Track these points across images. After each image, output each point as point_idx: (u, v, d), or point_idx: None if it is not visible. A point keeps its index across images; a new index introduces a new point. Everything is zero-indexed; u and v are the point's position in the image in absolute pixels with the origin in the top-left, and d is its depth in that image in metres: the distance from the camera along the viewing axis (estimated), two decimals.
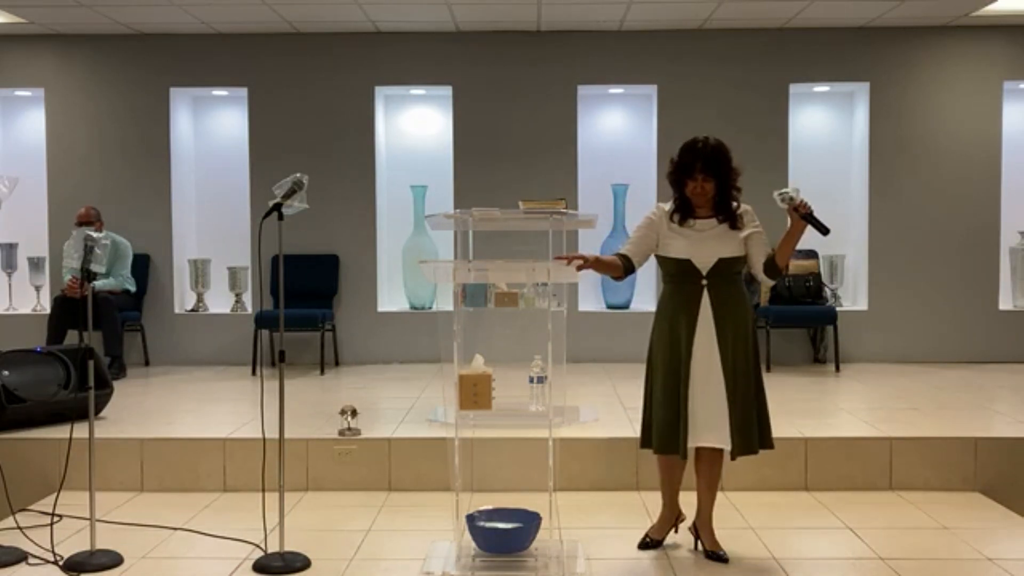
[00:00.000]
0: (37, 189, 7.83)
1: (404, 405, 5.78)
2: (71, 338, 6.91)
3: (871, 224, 7.78)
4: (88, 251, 3.81)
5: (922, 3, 7.01)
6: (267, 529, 3.83)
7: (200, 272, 8.00)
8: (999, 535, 4.08)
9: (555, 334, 3.66)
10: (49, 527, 3.97)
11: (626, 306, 7.97)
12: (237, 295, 8.01)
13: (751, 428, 3.62)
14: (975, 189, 7.74)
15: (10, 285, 8.06)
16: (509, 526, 3.75)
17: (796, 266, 7.42)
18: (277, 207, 3.68)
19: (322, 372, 7.35)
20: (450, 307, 3.69)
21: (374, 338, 7.85)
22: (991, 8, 7.10)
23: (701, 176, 3.58)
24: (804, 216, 3.56)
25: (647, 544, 3.82)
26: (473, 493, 4.29)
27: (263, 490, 3.88)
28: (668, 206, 3.70)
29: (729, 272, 3.63)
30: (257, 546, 3.85)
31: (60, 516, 4.16)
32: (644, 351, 3.82)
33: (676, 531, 3.87)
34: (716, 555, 3.72)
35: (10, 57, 7.89)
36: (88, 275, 3.85)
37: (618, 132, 8.24)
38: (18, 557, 3.74)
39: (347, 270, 7.89)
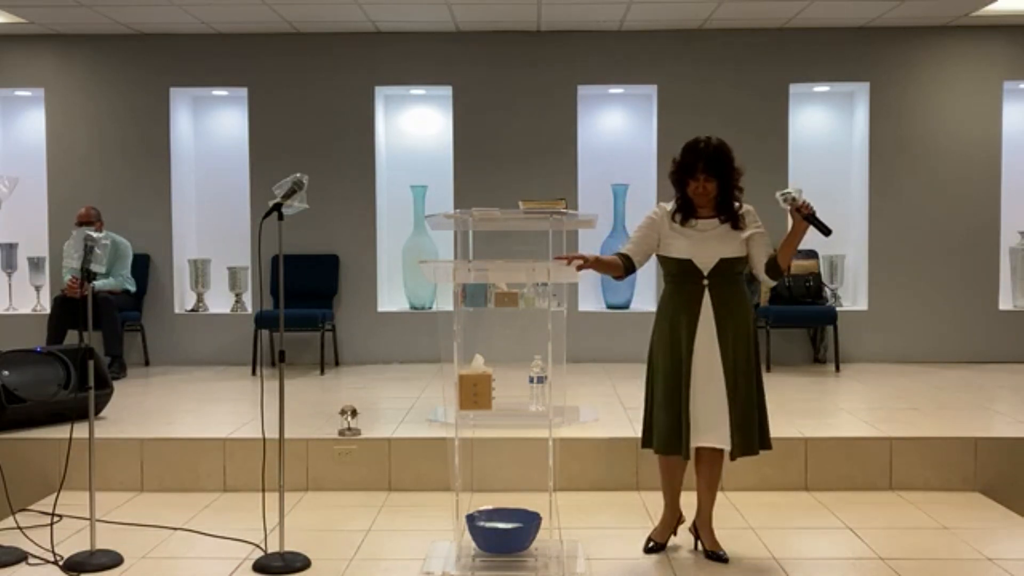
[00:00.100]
0: (37, 189, 7.83)
1: (404, 405, 5.78)
2: (71, 338, 6.91)
3: (871, 224, 7.78)
4: (88, 251, 3.81)
5: (922, 3, 7.01)
6: (267, 529, 3.83)
7: (200, 272, 8.00)
8: (999, 535, 4.08)
9: (555, 334, 3.66)
10: (49, 527, 3.97)
11: (626, 306, 7.97)
12: (237, 295, 8.01)
13: (751, 428, 3.62)
14: (975, 189, 7.74)
15: (10, 285, 8.06)
16: (509, 526, 3.75)
17: (796, 266, 7.42)
18: (277, 207, 3.68)
19: (322, 372, 7.35)
20: (450, 307, 3.69)
21: (374, 338, 7.85)
22: (991, 8, 7.10)
23: (703, 176, 3.57)
24: (806, 217, 3.56)
25: (652, 548, 3.80)
26: (473, 493, 4.29)
27: (263, 490, 3.88)
28: (670, 206, 3.69)
29: (730, 272, 3.63)
30: (257, 546, 3.85)
31: (60, 516, 4.16)
32: (644, 351, 3.82)
33: (675, 534, 3.86)
34: (716, 555, 3.72)
35: (10, 57, 7.89)
36: (88, 275, 3.85)
37: (618, 132, 8.24)
38: (18, 557, 3.74)
39: (347, 270, 7.89)
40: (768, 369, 7.14)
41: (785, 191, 3.58)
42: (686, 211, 3.65)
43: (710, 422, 3.58)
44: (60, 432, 4.71)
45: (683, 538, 3.87)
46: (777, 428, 4.35)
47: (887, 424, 5.13)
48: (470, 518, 3.77)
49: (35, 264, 7.96)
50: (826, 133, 8.18)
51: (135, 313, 7.62)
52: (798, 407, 5.67)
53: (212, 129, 8.36)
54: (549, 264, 3.59)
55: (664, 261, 3.70)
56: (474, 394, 3.64)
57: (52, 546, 3.79)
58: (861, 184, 7.90)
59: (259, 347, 7.30)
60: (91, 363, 3.84)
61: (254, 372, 7.25)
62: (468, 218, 3.76)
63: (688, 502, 3.82)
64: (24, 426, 5.02)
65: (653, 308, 3.87)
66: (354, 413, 4.90)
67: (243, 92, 7.91)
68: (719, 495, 3.84)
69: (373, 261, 7.92)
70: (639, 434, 3.80)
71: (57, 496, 4.15)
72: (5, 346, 5.49)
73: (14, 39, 7.83)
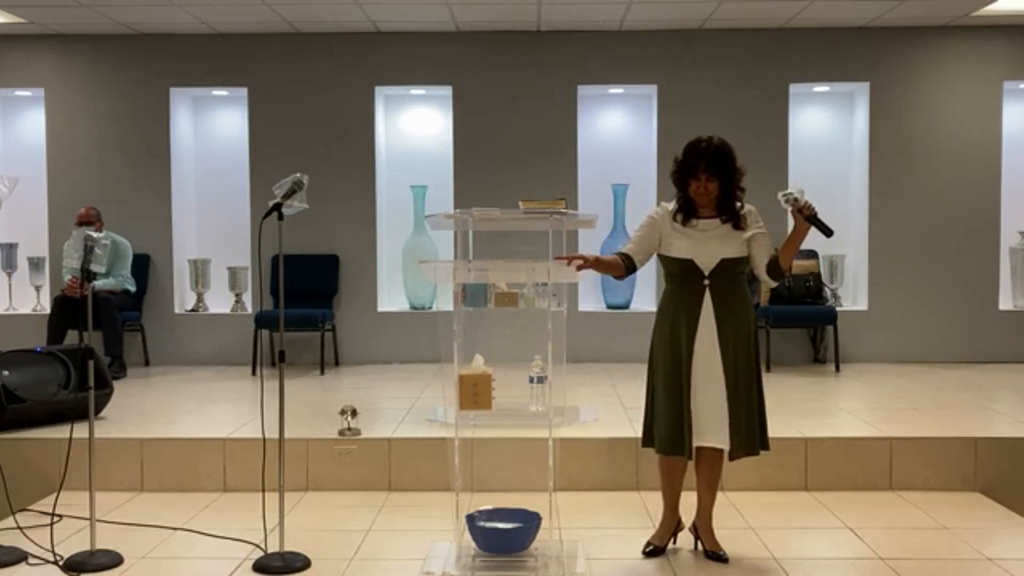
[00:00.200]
0: (37, 189, 7.83)
1: (404, 405, 5.78)
2: (71, 338, 6.91)
3: (871, 224, 7.78)
4: (88, 251, 3.81)
5: (922, 3, 7.01)
6: (267, 529, 3.83)
7: (200, 272, 8.00)
8: (999, 535, 4.08)
9: (555, 334, 3.66)
10: (49, 527, 3.97)
11: (626, 306, 7.97)
12: (237, 295, 8.01)
13: (752, 429, 3.62)
14: (975, 189, 7.74)
15: (10, 285, 8.06)
16: (509, 526, 3.75)
17: (796, 266, 7.42)
18: (277, 207, 3.68)
19: (322, 372, 7.35)
20: (450, 307, 3.69)
21: (374, 338, 7.85)
22: (991, 8, 7.10)
23: (705, 176, 3.57)
24: (808, 218, 3.55)
25: (651, 552, 3.78)
26: (473, 493, 4.29)
27: (263, 490, 3.88)
28: (671, 205, 3.69)
29: (731, 272, 3.62)
30: (257, 546, 3.85)
31: (60, 516, 4.16)
32: (644, 351, 3.81)
33: (675, 541, 3.84)
34: (716, 555, 3.72)
35: (10, 57, 7.89)
36: (88, 275, 3.85)
37: (618, 132, 8.24)
38: (18, 557, 3.74)
39: (347, 270, 7.89)
40: (768, 369, 7.15)
41: (787, 192, 3.58)
42: (687, 211, 3.64)
43: (711, 422, 3.58)
44: (60, 432, 4.71)
45: (683, 538, 3.87)
46: (777, 428, 4.36)
47: (887, 424, 5.13)
48: (470, 518, 3.77)
49: (35, 264, 7.96)
50: (826, 133, 8.18)
51: (135, 313, 7.62)
52: (798, 407, 5.67)
53: (212, 129, 8.36)
54: (549, 264, 3.59)
55: (665, 261, 3.70)
56: (474, 394, 3.64)
57: (52, 546, 3.79)
58: (861, 184, 7.90)
59: (259, 347, 7.30)
60: (91, 363, 3.84)
61: (254, 372, 7.25)
62: (468, 218, 3.76)
63: (688, 502, 3.82)
64: (24, 426, 5.02)
65: (653, 308, 3.87)
66: (354, 413, 4.90)
67: (243, 92, 7.91)
68: (719, 495, 3.83)
69: (373, 261, 7.92)
70: (639, 434, 3.80)
71: (57, 496, 4.15)
72: (5, 346, 5.49)
73: (14, 39, 7.83)
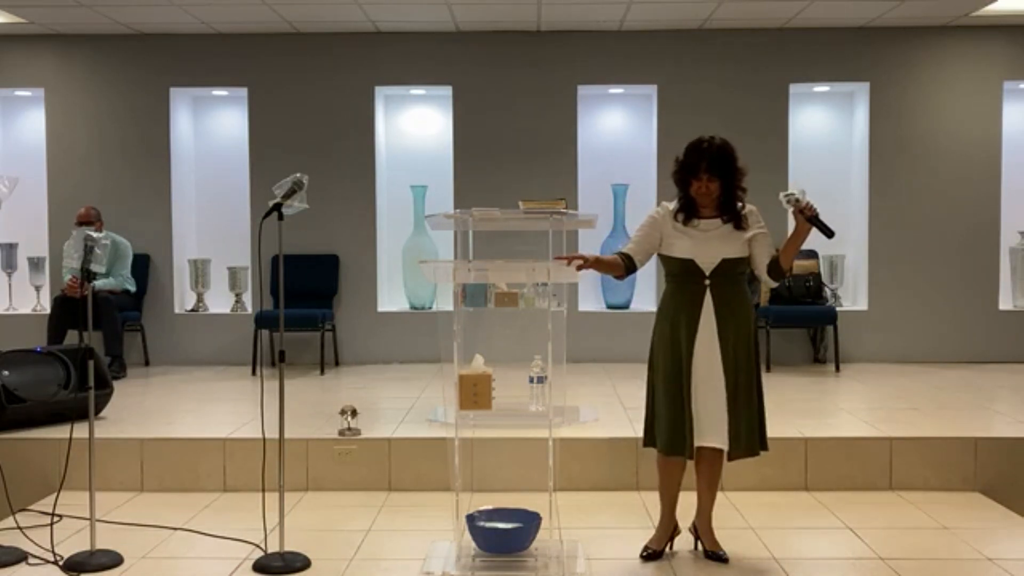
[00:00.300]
0: (37, 189, 7.83)
1: (404, 405, 5.78)
2: (71, 338, 6.91)
3: (871, 224, 7.78)
4: (88, 251, 3.81)
5: (922, 3, 7.01)
6: (267, 529, 3.83)
7: (200, 272, 8.00)
8: (999, 535, 4.08)
9: (555, 334, 3.66)
10: (49, 527, 3.97)
11: (626, 306, 7.97)
12: (237, 295, 8.01)
13: (752, 429, 3.62)
14: (975, 189, 7.74)
15: (10, 285, 8.06)
16: (509, 526, 3.75)
17: (796, 266, 7.42)
18: (277, 207, 3.68)
19: (322, 372, 7.35)
20: (450, 307, 3.69)
21: (374, 338, 7.85)
22: (991, 8, 7.10)
23: (706, 176, 3.56)
24: (810, 219, 3.54)
25: (648, 556, 3.76)
26: (473, 493, 4.29)
27: (263, 490, 3.88)
28: (672, 205, 3.68)
29: (732, 273, 3.62)
30: (257, 546, 3.85)
31: (60, 516, 4.16)
32: (644, 351, 3.81)
33: (671, 547, 3.83)
34: (716, 555, 3.72)
35: (10, 57, 7.89)
36: (88, 275, 3.85)
37: (618, 132, 8.24)
38: (18, 557, 3.74)
39: (347, 270, 7.90)
40: (768, 369, 7.15)
41: (788, 192, 3.57)
42: (689, 211, 3.63)
43: (711, 422, 3.58)
44: (60, 432, 4.71)
45: (683, 537, 3.86)
46: (777, 428, 4.37)
47: (887, 424, 5.13)
48: (470, 518, 3.77)
49: (35, 264, 7.96)
50: (826, 133, 8.18)
51: (135, 313, 7.62)
52: (798, 407, 5.67)
53: (212, 129, 8.36)
54: (549, 264, 3.59)
55: (666, 260, 3.69)
56: (474, 394, 3.64)
57: (52, 546, 3.79)
58: (861, 184, 7.90)
59: (259, 347, 7.30)
60: (91, 363, 3.84)
61: (254, 372, 7.25)
62: (468, 218, 3.76)
63: (688, 502, 3.82)
64: (24, 426, 5.02)
65: (653, 308, 3.87)
66: (354, 413, 4.90)
67: (243, 92, 7.91)
68: (719, 495, 3.83)
69: (373, 261, 7.92)
70: (639, 434, 3.80)
71: (57, 496, 4.15)
72: (5, 346, 5.49)
73: (14, 39, 7.83)
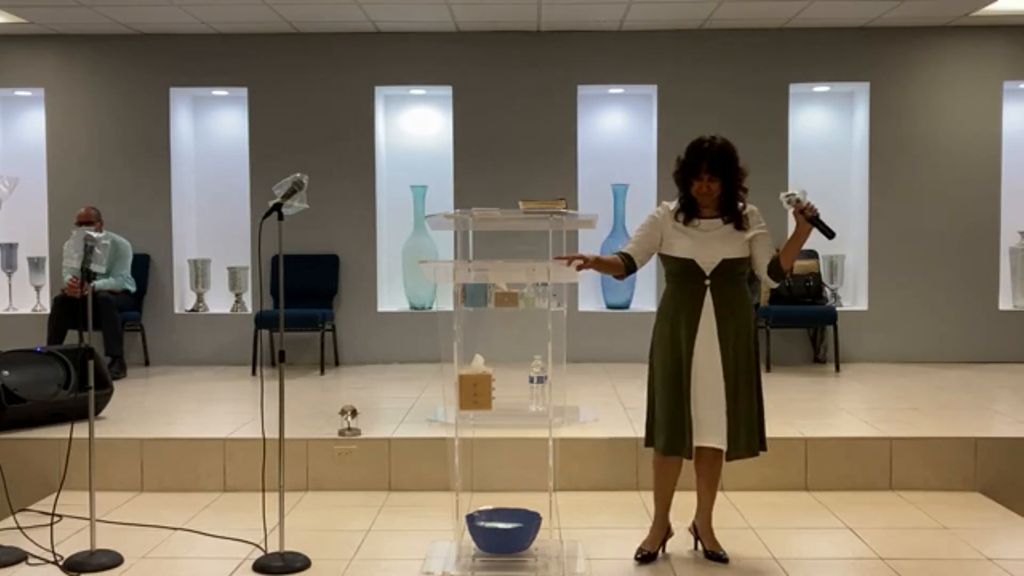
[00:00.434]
0: (37, 189, 7.83)
1: (404, 405, 5.78)
2: (71, 338, 6.91)
3: (871, 224, 7.78)
4: (88, 251, 3.81)
5: (922, 3, 7.01)
6: (267, 529, 3.83)
7: (200, 272, 8.00)
8: (999, 535, 4.08)
9: (555, 334, 3.66)
10: (49, 527, 3.97)
11: (626, 306, 7.97)
12: (237, 295, 8.01)
13: (751, 430, 3.61)
14: (975, 189, 7.74)
15: (10, 285, 8.06)
16: (509, 526, 3.75)
17: (796, 266, 7.41)
18: (277, 207, 3.68)
19: (322, 372, 7.35)
20: (450, 307, 3.69)
21: (374, 338, 7.85)
22: (991, 8, 7.10)
23: (707, 176, 3.56)
24: (810, 219, 3.54)
25: (643, 558, 3.75)
26: (473, 493, 4.29)
27: (263, 490, 3.88)
28: (673, 205, 3.68)
29: (733, 273, 3.62)
30: (257, 546, 3.85)
31: (60, 516, 4.16)
32: (644, 351, 3.81)
33: (664, 549, 3.81)
34: (716, 555, 3.72)
35: (10, 57, 7.89)
36: (88, 275, 3.85)
37: (618, 132, 8.24)
38: (18, 557, 3.74)
39: (347, 270, 7.90)
40: (768, 369, 7.15)
41: (789, 192, 3.56)
42: (689, 211, 3.63)
43: (710, 422, 3.57)
44: (60, 432, 4.71)
45: (683, 537, 3.86)
46: (777, 428, 4.36)
47: (887, 424, 5.13)
48: (470, 518, 3.78)
49: (35, 264, 7.96)
50: (826, 133, 8.18)
51: (135, 313, 7.62)
52: (798, 407, 5.67)
53: (212, 129, 8.36)
54: (549, 264, 3.59)
55: (666, 260, 3.69)
56: (474, 394, 3.64)
57: (52, 546, 3.79)
58: (861, 184, 7.90)
59: (259, 347, 7.30)
60: (91, 363, 3.84)
61: (254, 372, 7.25)
62: (468, 218, 3.76)
63: (688, 502, 3.82)
64: (24, 426, 5.02)
65: (653, 308, 3.87)
66: (354, 413, 4.90)
67: (243, 92, 7.91)
68: (719, 495, 3.83)
69: (373, 261, 7.92)
70: (639, 434, 3.80)
71: (57, 496, 4.15)
72: (5, 346, 5.49)
73: (14, 39, 7.83)
